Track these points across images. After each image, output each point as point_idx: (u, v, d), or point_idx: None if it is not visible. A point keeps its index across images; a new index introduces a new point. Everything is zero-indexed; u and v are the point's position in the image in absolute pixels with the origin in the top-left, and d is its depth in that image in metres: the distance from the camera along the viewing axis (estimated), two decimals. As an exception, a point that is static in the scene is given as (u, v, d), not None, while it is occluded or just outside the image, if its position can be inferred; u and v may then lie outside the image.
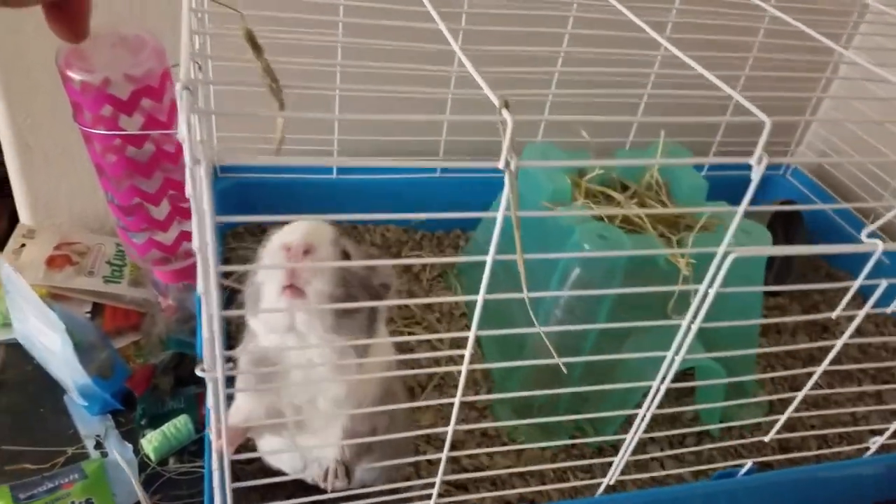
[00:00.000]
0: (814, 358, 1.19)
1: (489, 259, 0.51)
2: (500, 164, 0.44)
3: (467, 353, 0.56)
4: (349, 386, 0.65)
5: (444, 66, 0.67)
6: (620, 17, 0.67)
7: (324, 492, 0.65)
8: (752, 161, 0.48)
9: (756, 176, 0.49)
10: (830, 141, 1.46)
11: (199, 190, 0.40)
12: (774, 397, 0.87)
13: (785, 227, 1.34)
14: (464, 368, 0.57)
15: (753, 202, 0.51)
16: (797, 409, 1.05)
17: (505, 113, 0.43)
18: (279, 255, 0.61)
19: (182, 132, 0.39)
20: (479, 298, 0.53)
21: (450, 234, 1.34)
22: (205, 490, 0.69)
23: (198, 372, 0.50)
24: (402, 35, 0.83)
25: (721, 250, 0.54)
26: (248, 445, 0.81)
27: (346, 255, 0.65)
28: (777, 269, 1.33)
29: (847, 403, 1.12)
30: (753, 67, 1.20)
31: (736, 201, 1.05)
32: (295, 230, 0.62)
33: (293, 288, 0.59)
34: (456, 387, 0.96)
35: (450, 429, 0.62)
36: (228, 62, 0.60)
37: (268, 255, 0.63)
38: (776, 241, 1.34)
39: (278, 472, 0.83)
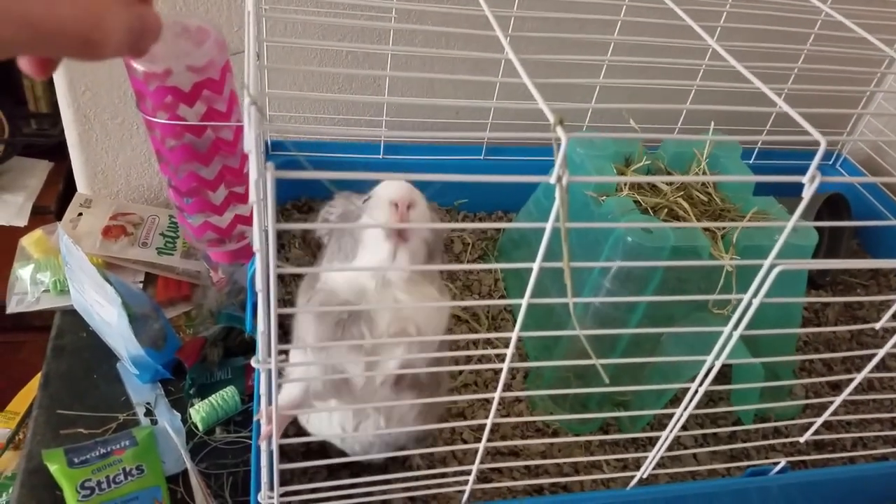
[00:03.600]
0: (854, 357, 1.19)
1: (536, 266, 0.52)
2: (552, 180, 0.45)
3: (509, 352, 0.58)
4: (426, 315, 0.71)
5: (493, 53, 0.68)
6: (675, 20, 0.67)
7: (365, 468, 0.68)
8: (805, 179, 0.49)
9: (808, 194, 0.49)
10: (883, 133, 1.43)
11: (262, 200, 0.42)
12: (814, 401, 0.87)
13: (832, 216, 1.32)
14: (505, 366, 0.59)
15: (801, 192, 0.51)
16: (836, 413, 1.06)
17: (559, 130, 0.44)
18: (386, 209, 0.68)
19: (248, 145, 0.40)
20: (524, 302, 0.55)
21: (492, 215, 1.35)
22: (251, 469, 0.72)
23: (253, 363, 0.52)
24: (451, 21, 0.84)
25: (767, 263, 0.54)
26: (294, 432, 0.85)
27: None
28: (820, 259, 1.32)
29: (886, 402, 1.12)
30: (806, 60, 1.18)
31: (783, 193, 1.04)
32: (399, 188, 0.69)
33: (401, 234, 0.67)
34: (492, 369, 0.98)
35: (488, 421, 0.63)
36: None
37: (376, 208, 0.69)
38: (822, 230, 1.33)
39: (322, 453, 0.86)
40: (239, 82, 0.78)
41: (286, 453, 0.76)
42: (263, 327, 0.52)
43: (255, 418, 0.76)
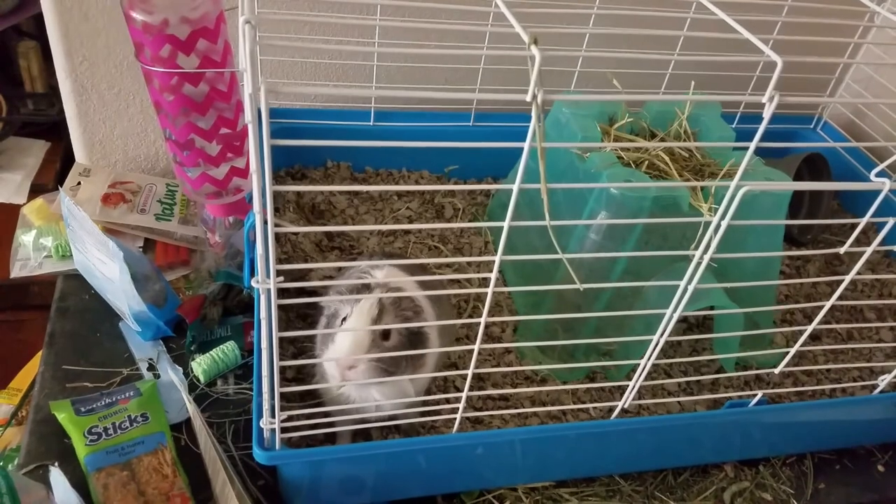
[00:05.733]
0: (834, 308, 1.22)
1: (515, 188, 0.55)
2: (528, 97, 0.48)
3: (493, 275, 0.61)
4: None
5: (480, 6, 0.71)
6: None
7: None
8: (764, 99, 0.52)
9: (767, 114, 0.53)
10: (864, 96, 1.46)
11: (257, 114, 0.45)
12: (787, 329, 0.91)
13: (812, 176, 1.35)
14: (489, 290, 0.62)
15: (783, 153, 0.55)
16: (816, 359, 1.10)
17: (534, 48, 0.47)
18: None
19: (243, 63, 0.44)
20: (506, 225, 0.58)
21: (481, 181, 1.38)
22: (253, 396, 0.75)
23: (252, 283, 0.56)
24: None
25: (733, 184, 0.58)
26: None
27: (386, 333, 0.76)
28: (803, 217, 1.35)
29: (864, 351, 1.15)
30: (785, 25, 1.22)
31: (766, 155, 1.08)
32: (343, 352, 0.74)
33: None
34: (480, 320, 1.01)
35: (476, 346, 0.67)
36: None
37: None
38: (802, 194, 1.37)
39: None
40: (233, 35, 0.81)
41: (288, 397, 0.80)
42: (262, 250, 0.55)
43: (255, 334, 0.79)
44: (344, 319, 0.76)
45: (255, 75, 0.44)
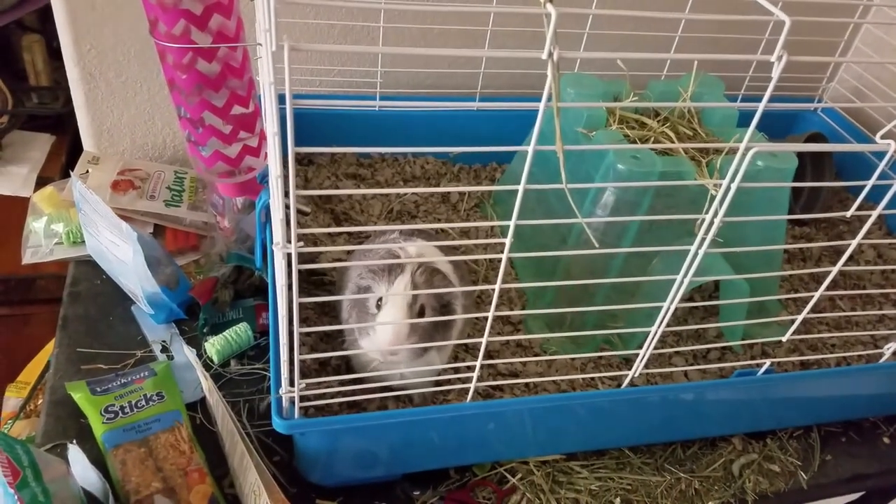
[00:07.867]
0: (837, 285, 1.24)
1: (530, 149, 0.56)
2: (544, 55, 0.49)
3: (508, 240, 0.62)
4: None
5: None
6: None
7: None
8: (773, 58, 0.53)
9: (776, 73, 0.54)
10: (864, 78, 1.48)
11: (270, 69, 0.46)
12: (792, 296, 0.92)
13: (814, 160, 1.37)
14: (504, 256, 0.63)
15: (785, 133, 0.56)
16: (819, 331, 1.11)
17: (549, 6, 0.48)
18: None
19: (264, 23, 0.45)
20: (521, 188, 0.59)
21: (486, 167, 1.40)
22: (270, 365, 0.76)
23: (272, 246, 0.57)
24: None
25: (742, 145, 0.59)
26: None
27: (422, 310, 0.78)
28: (805, 201, 1.37)
29: (868, 326, 1.17)
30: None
31: (768, 134, 1.09)
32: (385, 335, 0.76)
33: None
34: (491, 302, 1.03)
35: (490, 314, 0.68)
36: None
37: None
38: (804, 172, 1.38)
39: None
40: (245, 12, 0.83)
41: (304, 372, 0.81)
42: (282, 214, 0.56)
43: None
44: (379, 301, 0.77)
45: (278, 37, 0.45)
